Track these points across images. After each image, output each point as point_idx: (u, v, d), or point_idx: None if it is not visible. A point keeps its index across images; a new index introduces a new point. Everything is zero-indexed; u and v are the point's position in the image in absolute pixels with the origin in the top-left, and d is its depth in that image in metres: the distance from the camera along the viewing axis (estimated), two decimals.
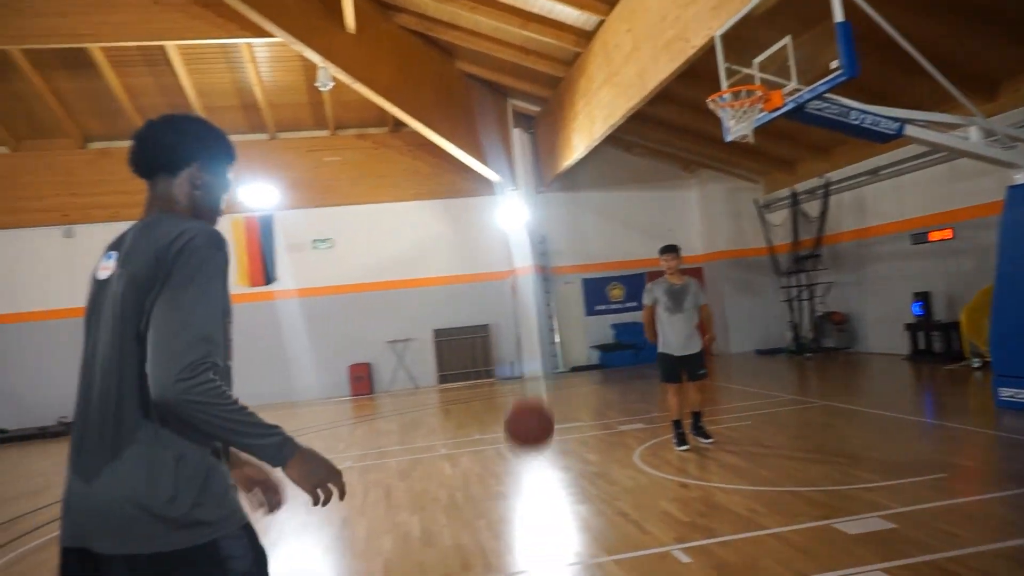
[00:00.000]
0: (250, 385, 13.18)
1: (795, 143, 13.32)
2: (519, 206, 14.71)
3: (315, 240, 14.77)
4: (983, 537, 3.65)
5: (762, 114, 6.51)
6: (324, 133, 14.89)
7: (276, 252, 13.02)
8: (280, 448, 1.54)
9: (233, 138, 1.87)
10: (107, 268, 1.65)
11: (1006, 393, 6.83)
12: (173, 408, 1.44)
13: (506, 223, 14.91)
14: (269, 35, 10.18)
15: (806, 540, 3.87)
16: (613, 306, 15.69)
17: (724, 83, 7.25)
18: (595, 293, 15.68)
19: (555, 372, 15.00)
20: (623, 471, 5.86)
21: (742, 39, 7.14)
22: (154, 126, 1.79)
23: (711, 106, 6.70)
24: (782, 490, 4.88)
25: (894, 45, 6.23)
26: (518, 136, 15.06)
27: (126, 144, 1.80)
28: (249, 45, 11.99)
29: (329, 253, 14.83)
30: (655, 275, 15.48)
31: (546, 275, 15.26)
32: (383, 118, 14.38)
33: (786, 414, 7.90)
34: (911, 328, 11.42)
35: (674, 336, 6.42)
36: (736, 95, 6.54)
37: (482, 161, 13.95)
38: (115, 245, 1.70)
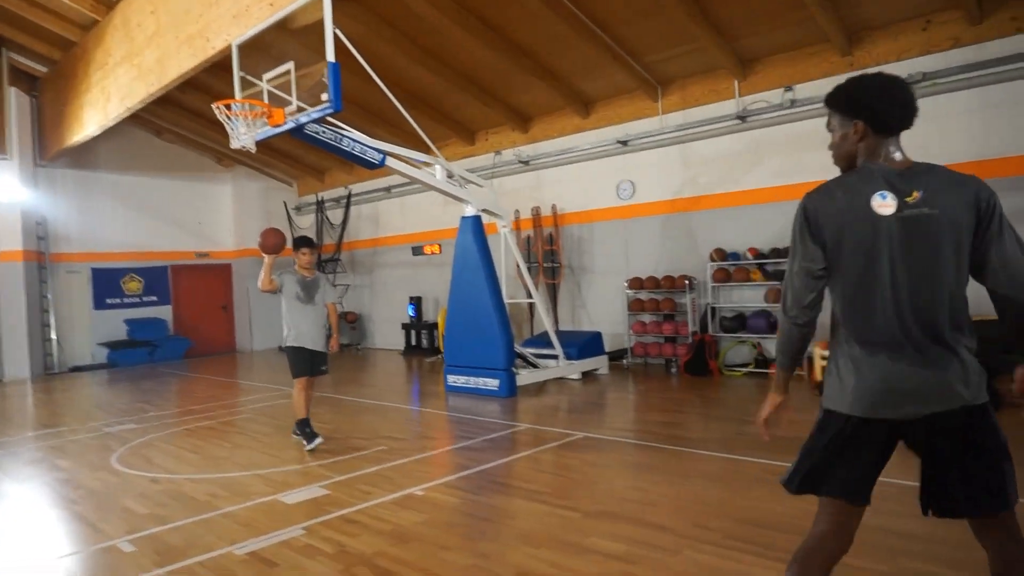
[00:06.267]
0: None
1: (324, 153, 14.30)
2: (10, 179, 12.58)
3: None
4: (385, 492, 4.70)
5: (266, 128, 6.99)
6: None
7: None
8: None
9: None
10: (887, 205, 1.98)
11: (451, 379, 8.66)
12: None
13: None
14: None
15: (252, 514, 4.42)
16: (128, 300, 14.50)
17: (238, 91, 7.57)
18: (107, 285, 14.27)
19: (49, 373, 13.20)
20: (94, 474, 5.67)
21: (263, 50, 7.54)
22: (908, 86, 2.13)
23: (216, 113, 6.91)
24: (247, 474, 5.39)
25: (395, 86, 7.32)
26: (15, 96, 12.88)
27: None
28: None
29: None
30: (180, 268, 15.00)
31: (43, 263, 13.34)
32: None
33: (282, 407, 8.44)
34: (406, 327, 13.42)
35: (307, 328, 6.20)
36: (243, 106, 6.88)
37: None
38: (888, 186, 2.00)
